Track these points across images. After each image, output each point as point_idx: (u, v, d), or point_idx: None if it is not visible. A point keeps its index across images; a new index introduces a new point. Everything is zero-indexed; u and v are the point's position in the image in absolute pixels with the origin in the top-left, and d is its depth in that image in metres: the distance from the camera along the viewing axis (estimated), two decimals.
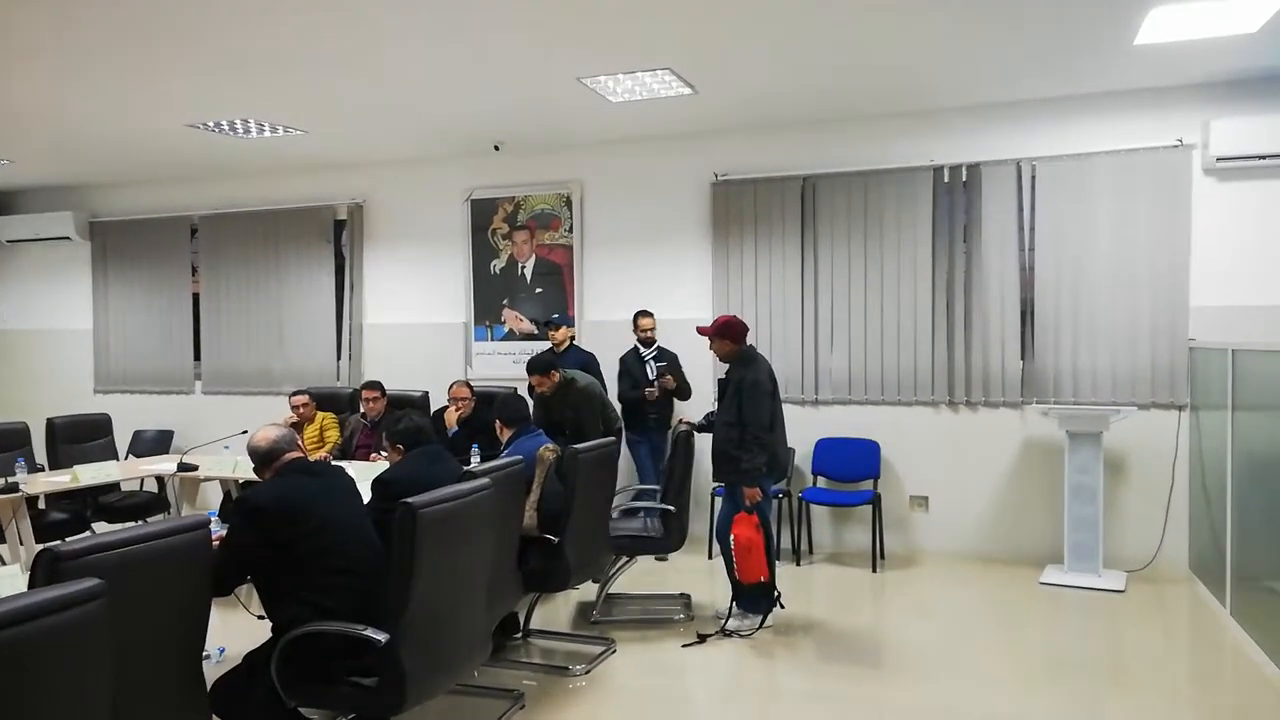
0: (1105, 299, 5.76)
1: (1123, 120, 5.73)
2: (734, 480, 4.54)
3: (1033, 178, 5.92)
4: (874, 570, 5.84)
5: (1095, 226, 5.78)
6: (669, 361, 6.36)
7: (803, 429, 6.24)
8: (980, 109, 6.02)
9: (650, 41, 4.68)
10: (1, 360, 8.92)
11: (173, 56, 4.82)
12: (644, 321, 6.37)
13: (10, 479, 5.09)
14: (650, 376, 6.25)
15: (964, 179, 6.07)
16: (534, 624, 4.65)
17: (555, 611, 5.02)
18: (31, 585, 2.08)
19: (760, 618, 4.64)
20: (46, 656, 1.66)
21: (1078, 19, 4.44)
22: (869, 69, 5.22)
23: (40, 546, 5.38)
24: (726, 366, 4.71)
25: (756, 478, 4.47)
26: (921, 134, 6.17)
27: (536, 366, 5.63)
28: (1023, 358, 5.98)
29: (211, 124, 6.23)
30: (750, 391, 4.47)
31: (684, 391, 6.34)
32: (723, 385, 4.68)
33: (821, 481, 6.29)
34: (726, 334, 4.64)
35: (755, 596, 4.62)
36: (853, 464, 6.19)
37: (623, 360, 6.41)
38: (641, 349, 6.38)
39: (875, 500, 5.94)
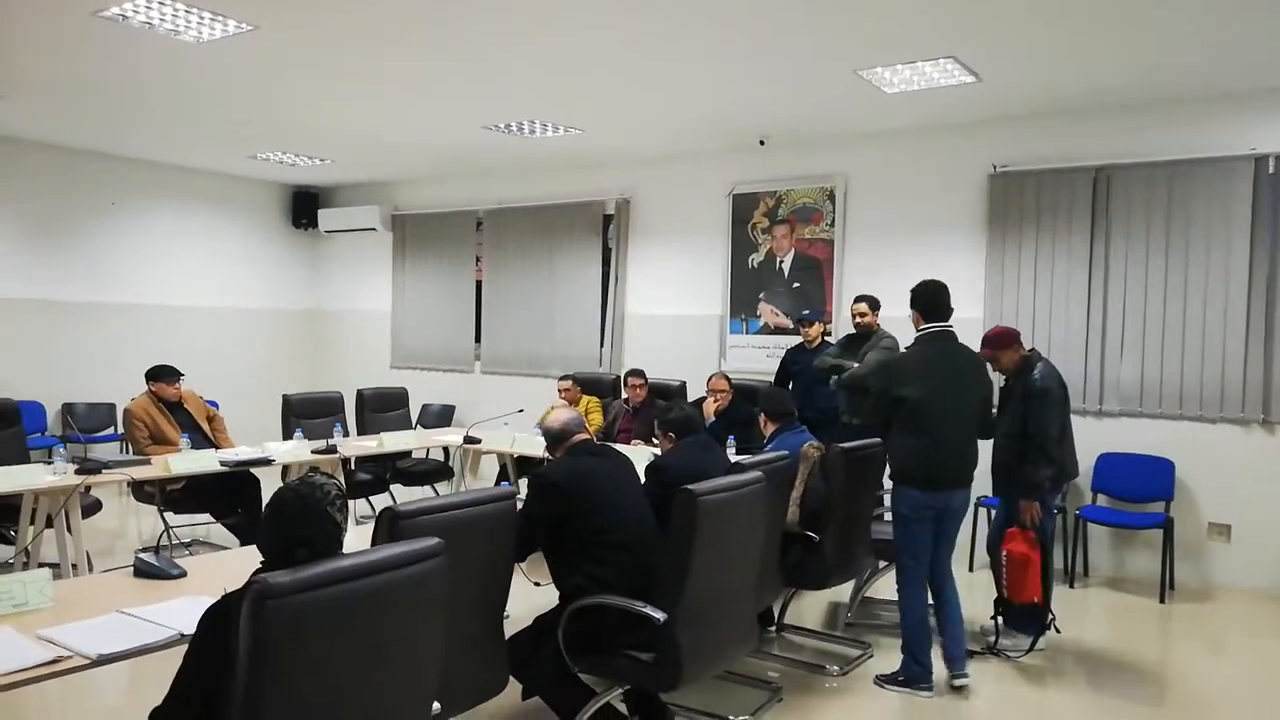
0: None
1: None
2: (1014, 494, 4.29)
3: None
4: (1161, 601, 5.31)
5: None
6: None
7: (1083, 441, 5.73)
8: None
9: (935, 29, 4.51)
10: (317, 337, 10.20)
11: (475, 65, 5.28)
12: None
13: (330, 441, 5.82)
14: None
15: None
16: (787, 619, 4.67)
17: (804, 609, 4.99)
18: (375, 539, 2.38)
19: (1031, 639, 4.37)
20: (403, 601, 1.90)
21: None
22: (1178, 46, 4.72)
23: (351, 502, 6.12)
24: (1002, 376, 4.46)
25: (1039, 493, 4.20)
26: (1241, 119, 5.49)
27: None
28: None
29: (503, 125, 6.76)
30: (1038, 400, 4.20)
31: None
32: (1005, 394, 4.44)
33: (1102, 500, 5.79)
34: (1010, 343, 4.40)
35: (1025, 616, 4.35)
36: (1141, 483, 5.65)
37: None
38: None
39: (1167, 524, 5.38)
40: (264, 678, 1.66)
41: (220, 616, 1.76)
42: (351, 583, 1.76)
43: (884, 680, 4.06)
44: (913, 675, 3.99)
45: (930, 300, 4.00)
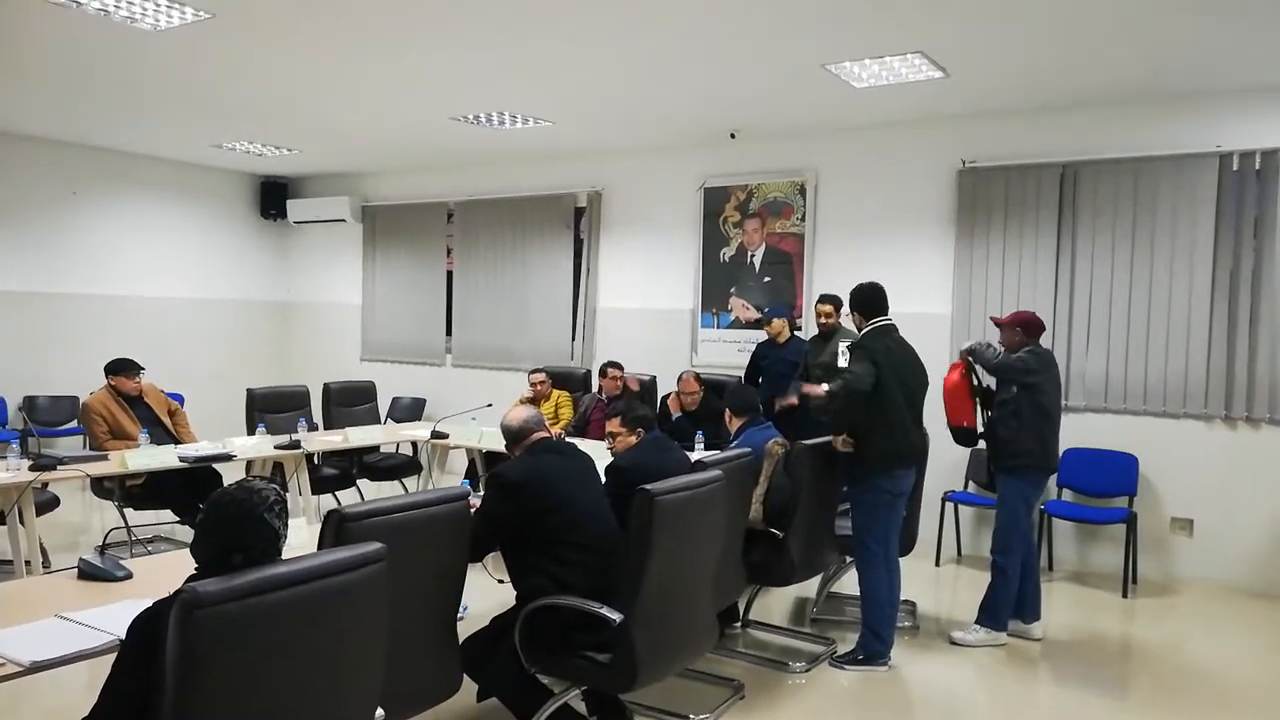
0: None
1: None
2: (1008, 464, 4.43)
3: None
4: (1124, 595, 5.35)
5: None
6: None
7: None
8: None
9: (903, 24, 4.49)
10: (286, 329, 10.08)
11: (439, 55, 5.20)
12: None
13: (294, 436, 5.74)
14: None
15: (1257, 167, 5.38)
16: (752, 615, 4.66)
17: (771, 604, 4.99)
18: (321, 542, 2.34)
19: (1002, 633, 4.45)
20: (341, 607, 1.85)
21: None
22: (1145, 45, 4.72)
23: (316, 498, 6.05)
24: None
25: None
26: (1206, 117, 5.52)
27: None
28: None
29: (471, 116, 6.68)
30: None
31: None
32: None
33: (1067, 495, 5.83)
34: (1018, 324, 4.54)
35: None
36: (1105, 478, 5.69)
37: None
38: None
39: (1130, 519, 5.43)
40: (194, 689, 1.62)
41: (148, 626, 1.71)
42: (285, 590, 1.72)
43: (841, 662, 4.16)
44: (873, 652, 4.14)
45: (873, 299, 4.24)
